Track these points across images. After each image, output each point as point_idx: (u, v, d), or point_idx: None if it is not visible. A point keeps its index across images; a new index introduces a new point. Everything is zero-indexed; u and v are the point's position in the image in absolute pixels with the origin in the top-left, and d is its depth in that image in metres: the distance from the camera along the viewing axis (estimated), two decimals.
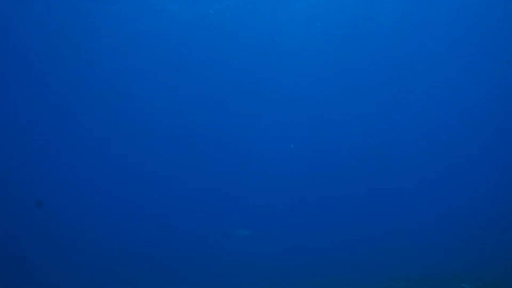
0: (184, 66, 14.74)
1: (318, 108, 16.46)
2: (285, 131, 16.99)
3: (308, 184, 17.86)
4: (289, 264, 13.29)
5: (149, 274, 12.41)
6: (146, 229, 15.68)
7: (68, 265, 12.77)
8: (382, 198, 16.98)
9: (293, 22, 13.43)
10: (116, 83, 15.34)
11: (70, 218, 15.53)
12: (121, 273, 12.11)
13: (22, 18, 12.88)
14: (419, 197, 16.74)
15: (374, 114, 16.37)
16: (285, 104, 16.13)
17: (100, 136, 16.61)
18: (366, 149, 17.02)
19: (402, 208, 16.56)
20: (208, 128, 16.44)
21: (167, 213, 16.87)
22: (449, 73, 15.32)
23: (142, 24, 13.46)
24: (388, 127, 16.74)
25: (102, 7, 12.71)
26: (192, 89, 15.56)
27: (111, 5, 12.63)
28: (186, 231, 15.78)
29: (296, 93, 15.87)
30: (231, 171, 17.63)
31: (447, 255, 12.92)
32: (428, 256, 13.01)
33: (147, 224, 15.97)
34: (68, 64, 14.75)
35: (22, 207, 14.67)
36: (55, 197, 15.58)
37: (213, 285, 11.05)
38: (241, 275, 11.90)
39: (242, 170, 17.54)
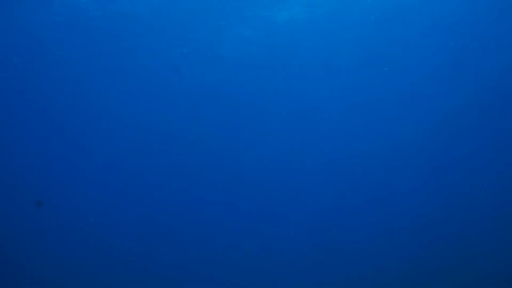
0: (183, 66, 14.79)
1: (318, 108, 16.51)
2: (285, 133, 17.03)
3: (306, 184, 17.89)
4: (288, 264, 13.32)
5: (150, 275, 12.43)
6: (147, 229, 15.72)
7: (70, 265, 12.79)
8: (383, 197, 17.00)
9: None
10: (115, 83, 15.38)
11: (70, 218, 15.55)
12: (123, 274, 12.13)
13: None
14: (420, 196, 16.77)
15: (374, 114, 16.40)
16: (286, 106, 16.19)
17: (101, 136, 16.65)
18: (367, 149, 17.06)
19: (403, 207, 16.60)
20: (207, 130, 16.50)
21: (168, 213, 16.90)
22: (450, 75, 15.37)
23: (137, 23, 13.51)
24: (389, 128, 16.77)
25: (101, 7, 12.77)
26: (193, 90, 15.60)
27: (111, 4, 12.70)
28: (187, 231, 15.82)
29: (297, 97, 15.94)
30: (228, 174, 17.66)
31: (447, 255, 12.95)
32: (429, 256, 13.03)
33: (148, 225, 16.00)
34: (67, 65, 14.79)
35: (22, 207, 14.69)
36: (55, 197, 15.59)
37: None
38: (238, 276, 11.92)
39: (243, 172, 17.57)
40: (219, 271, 12.90)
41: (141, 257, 14.27)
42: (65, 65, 14.84)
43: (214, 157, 17.23)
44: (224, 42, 14.44)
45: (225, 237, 15.61)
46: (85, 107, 15.96)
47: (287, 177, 17.47)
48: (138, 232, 15.67)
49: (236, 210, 17.04)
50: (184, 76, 15.37)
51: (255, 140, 17.60)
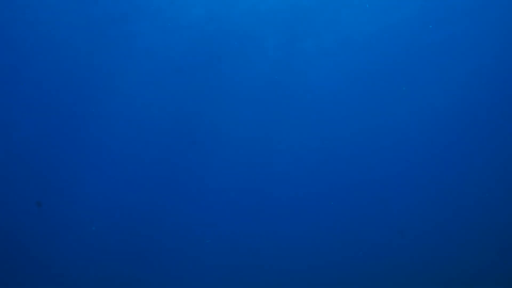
0: (188, 64, 14.80)
1: (318, 107, 16.51)
2: (283, 131, 17.03)
3: (306, 184, 17.88)
4: (287, 265, 13.30)
5: (150, 274, 12.42)
6: (149, 229, 15.72)
7: (70, 265, 12.77)
8: (383, 197, 17.00)
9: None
10: (116, 82, 15.37)
11: (70, 218, 15.54)
12: (123, 274, 12.12)
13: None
14: (420, 196, 16.76)
15: (375, 113, 16.40)
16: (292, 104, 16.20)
17: (102, 135, 16.64)
18: (367, 148, 17.05)
19: (403, 207, 16.59)
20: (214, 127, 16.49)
21: (171, 212, 16.90)
22: (450, 72, 15.36)
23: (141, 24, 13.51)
24: (390, 126, 16.77)
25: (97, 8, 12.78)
26: (199, 87, 15.60)
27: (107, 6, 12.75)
28: (187, 231, 15.81)
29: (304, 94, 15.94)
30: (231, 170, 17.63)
31: (448, 255, 12.92)
32: (429, 256, 13.01)
33: (150, 224, 16.01)
34: (67, 64, 14.78)
35: (22, 207, 14.68)
36: (55, 197, 15.59)
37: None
38: (239, 276, 11.90)
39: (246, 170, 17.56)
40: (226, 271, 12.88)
41: (142, 257, 14.24)
42: (66, 65, 14.83)
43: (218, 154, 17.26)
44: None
45: (231, 236, 15.61)
46: (86, 107, 15.96)
47: (289, 176, 17.49)
48: (139, 232, 15.66)
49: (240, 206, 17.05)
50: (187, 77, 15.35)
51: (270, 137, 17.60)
